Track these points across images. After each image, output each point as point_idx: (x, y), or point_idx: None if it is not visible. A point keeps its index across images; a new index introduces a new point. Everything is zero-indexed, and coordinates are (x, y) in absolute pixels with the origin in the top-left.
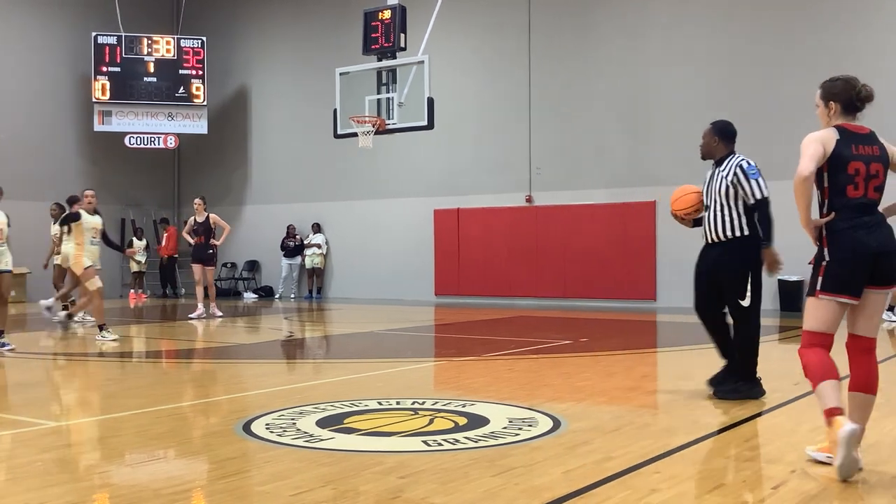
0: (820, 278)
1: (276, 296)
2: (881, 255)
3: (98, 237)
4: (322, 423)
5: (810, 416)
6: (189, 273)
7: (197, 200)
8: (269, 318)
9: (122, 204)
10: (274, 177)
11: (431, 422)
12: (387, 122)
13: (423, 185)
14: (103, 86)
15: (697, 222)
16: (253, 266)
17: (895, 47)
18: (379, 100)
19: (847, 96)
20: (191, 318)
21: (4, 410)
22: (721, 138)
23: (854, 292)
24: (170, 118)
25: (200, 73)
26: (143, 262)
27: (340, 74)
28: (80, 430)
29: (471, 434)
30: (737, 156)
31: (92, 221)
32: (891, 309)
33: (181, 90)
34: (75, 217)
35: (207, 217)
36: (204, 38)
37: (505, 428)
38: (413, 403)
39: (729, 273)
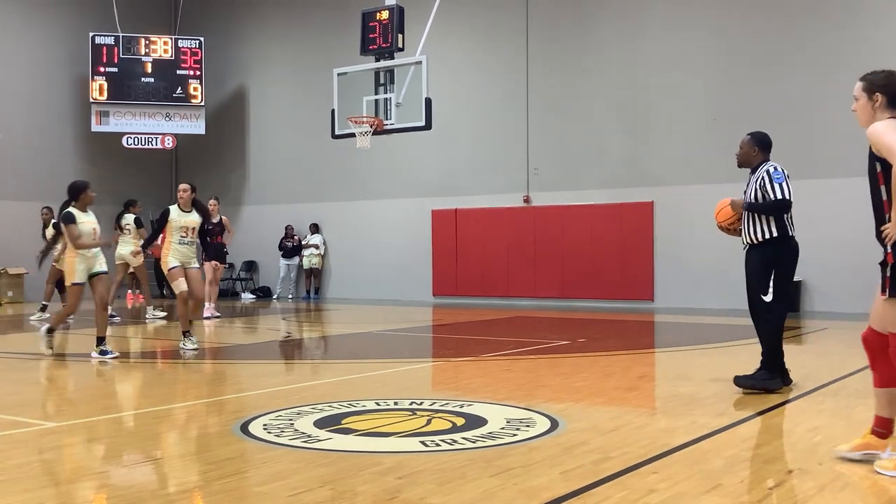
0: None
1: (274, 296)
2: None
3: (190, 235)
4: (320, 424)
5: (808, 417)
6: None
7: (212, 201)
8: (267, 318)
9: (119, 204)
10: (272, 177)
11: (429, 422)
12: (385, 122)
13: (421, 186)
14: (101, 86)
15: None
16: (251, 266)
17: (893, 49)
18: (377, 100)
19: (893, 88)
20: (206, 318)
21: (1, 411)
22: (760, 148)
23: None
24: (167, 119)
25: (198, 73)
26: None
27: (338, 75)
28: (78, 430)
29: (469, 434)
30: (769, 163)
31: (183, 219)
32: None
33: (179, 90)
34: (165, 214)
35: (221, 219)
36: (201, 39)
37: (503, 428)
38: (411, 404)
39: (752, 270)
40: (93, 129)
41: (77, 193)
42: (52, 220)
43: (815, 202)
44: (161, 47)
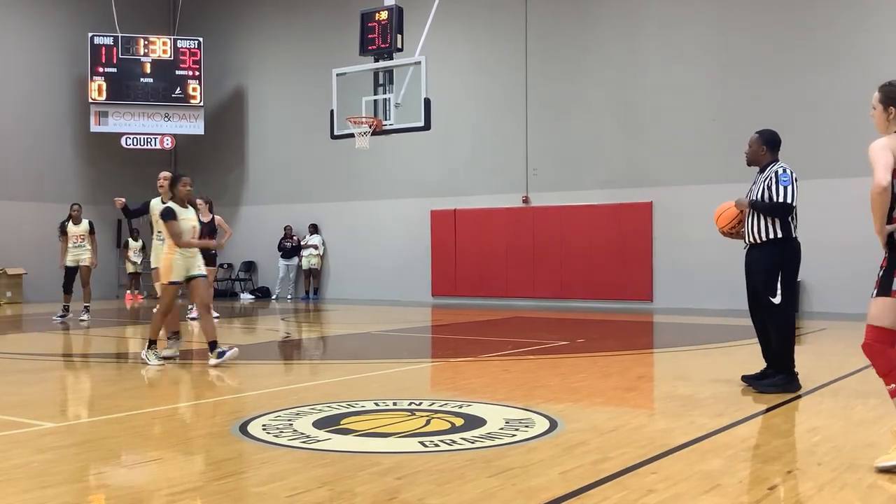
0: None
1: (273, 297)
2: None
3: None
4: (319, 424)
5: (807, 417)
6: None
7: (199, 201)
8: (266, 318)
9: None
10: (271, 178)
11: (428, 423)
12: (384, 122)
13: (420, 186)
14: (100, 86)
15: None
16: (250, 267)
17: (894, 48)
18: (376, 101)
19: None
20: (191, 319)
21: (1, 411)
22: (769, 147)
23: None
24: (166, 119)
25: (197, 73)
26: (139, 262)
27: (337, 75)
28: (77, 430)
29: (468, 435)
30: (779, 163)
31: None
32: None
33: (178, 91)
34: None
35: (213, 218)
36: (200, 39)
37: (502, 429)
38: (410, 404)
39: (760, 272)
40: (92, 130)
41: (174, 183)
42: (88, 220)
43: (814, 202)
44: (160, 48)
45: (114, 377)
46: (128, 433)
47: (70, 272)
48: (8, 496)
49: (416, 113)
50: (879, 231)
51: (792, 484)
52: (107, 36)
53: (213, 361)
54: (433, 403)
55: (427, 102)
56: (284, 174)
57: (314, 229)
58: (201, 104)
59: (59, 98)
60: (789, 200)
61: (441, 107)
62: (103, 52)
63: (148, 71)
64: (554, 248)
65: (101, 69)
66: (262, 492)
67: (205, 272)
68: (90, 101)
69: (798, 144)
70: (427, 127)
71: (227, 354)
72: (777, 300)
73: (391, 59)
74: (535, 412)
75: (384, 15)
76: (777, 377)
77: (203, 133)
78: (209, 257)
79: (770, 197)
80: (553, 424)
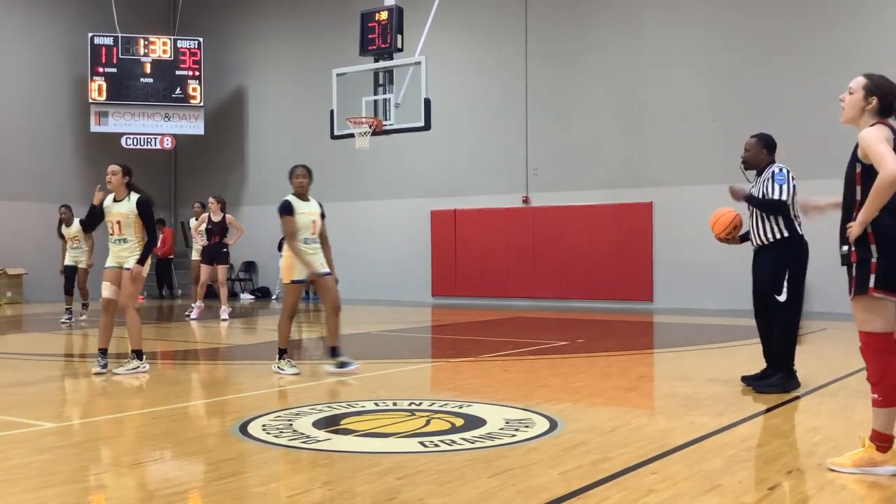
0: (872, 276)
1: (273, 297)
2: None
3: (116, 232)
4: (319, 425)
5: (807, 417)
6: (186, 274)
7: (211, 199)
8: (266, 319)
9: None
10: (271, 178)
11: (428, 423)
12: (384, 123)
13: (420, 187)
14: (100, 86)
15: (745, 237)
16: (250, 267)
17: (893, 48)
18: (376, 101)
19: (891, 99)
20: (191, 319)
21: (1, 411)
22: (768, 150)
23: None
24: (166, 119)
25: (197, 73)
26: None
27: (337, 75)
28: (77, 431)
29: (468, 435)
30: (776, 164)
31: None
32: None
33: (178, 91)
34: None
35: (224, 217)
36: (201, 39)
37: (502, 429)
38: (410, 404)
39: (766, 271)
40: (92, 130)
41: (291, 176)
42: (78, 219)
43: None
44: (160, 48)
45: (114, 377)
46: (128, 433)
47: (69, 273)
48: (8, 496)
49: (416, 113)
50: (867, 221)
51: (792, 484)
52: (107, 36)
53: (329, 368)
54: (433, 403)
55: (427, 103)
56: (284, 174)
57: None
58: (201, 104)
59: (59, 98)
60: (784, 197)
61: (441, 107)
62: (103, 52)
63: (148, 71)
64: (554, 249)
65: (101, 69)
66: (262, 492)
67: (328, 269)
68: (90, 101)
69: (798, 145)
70: (427, 127)
71: (349, 368)
72: (782, 298)
73: (391, 59)
74: (535, 412)
75: (384, 15)
76: (776, 377)
77: (203, 133)
78: (221, 256)
79: (764, 194)
80: (553, 424)
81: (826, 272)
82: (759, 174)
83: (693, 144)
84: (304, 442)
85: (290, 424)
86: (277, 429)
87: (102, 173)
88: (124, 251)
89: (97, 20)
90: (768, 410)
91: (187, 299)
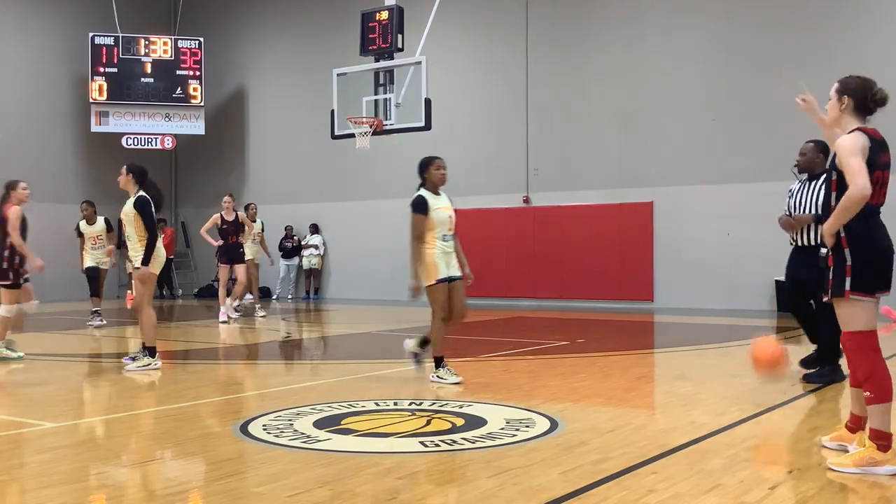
0: (848, 279)
1: (274, 297)
2: (892, 261)
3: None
4: (319, 424)
5: (807, 417)
6: (186, 274)
7: (226, 198)
8: (267, 318)
9: (118, 205)
10: (271, 178)
11: (429, 423)
12: (384, 122)
13: None
14: (100, 86)
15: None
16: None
17: (892, 49)
18: (376, 101)
19: (862, 95)
20: (220, 322)
21: (1, 411)
22: (825, 155)
23: (872, 291)
24: (167, 119)
25: (198, 73)
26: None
27: (338, 75)
28: (77, 431)
29: (468, 435)
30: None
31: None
32: None
33: (178, 91)
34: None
35: (237, 215)
36: (201, 39)
37: (502, 429)
38: (410, 404)
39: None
40: (92, 130)
41: (423, 169)
42: (103, 217)
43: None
44: (161, 48)
45: (114, 377)
46: (128, 433)
47: (93, 275)
48: (7, 496)
49: (416, 113)
50: (832, 231)
51: (792, 484)
52: (107, 36)
53: (434, 377)
54: (433, 403)
55: (427, 102)
56: (285, 174)
57: (315, 229)
58: (202, 104)
59: (60, 98)
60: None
61: (441, 107)
62: (104, 52)
63: (148, 71)
64: (554, 248)
65: (101, 69)
66: (262, 492)
67: (459, 273)
68: (91, 101)
69: (798, 145)
70: (428, 127)
71: (451, 380)
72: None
73: (392, 59)
74: (535, 412)
75: (385, 15)
76: (825, 368)
77: (204, 133)
78: (238, 255)
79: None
80: (553, 424)
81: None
82: (811, 179)
83: (693, 144)
84: (304, 442)
85: (291, 424)
86: (278, 429)
87: (103, 173)
88: (131, 250)
89: (98, 20)
90: (769, 410)
91: (189, 299)
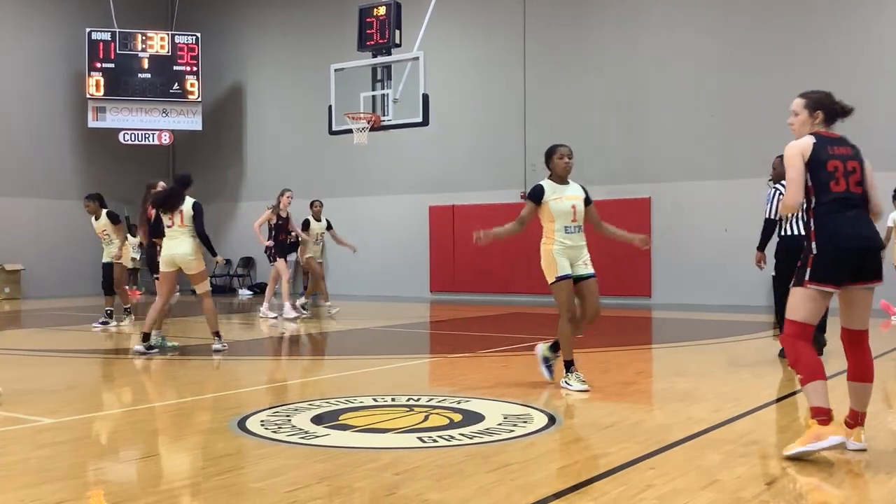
0: (808, 269)
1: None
2: (865, 251)
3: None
4: (317, 420)
5: (804, 413)
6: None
7: (289, 193)
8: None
9: (115, 201)
10: (269, 173)
11: (426, 418)
12: (382, 118)
13: (419, 182)
14: (97, 82)
15: None
16: (248, 263)
17: (891, 49)
18: (374, 96)
19: (832, 108)
20: (287, 318)
21: None
22: None
23: (836, 282)
24: (164, 114)
25: (195, 69)
26: (138, 258)
27: (335, 71)
28: (75, 426)
29: (466, 430)
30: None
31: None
32: None
33: (175, 86)
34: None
35: (289, 213)
36: (198, 35)
37: (500, 424)
38: (408, 400)
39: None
40: (89, 125)
41: (548, 159)
42: (106, 210)
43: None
44: (158, 43)
45: (112, 373)
46: (126, 429)
47: (105, 270)
48: (6, 492)
49: (414, 109)
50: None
51: (790, 479)
52: (104, 31)
53: (565, 383)
54: (431, 399)
55: (425, 98)
56: (282, 170)
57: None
58: (199, 100)
59: (57, 93)
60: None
61: (439, 103)
62: (101, 47)
63: (146, 66)
64: None
65: (98, 64)
66: (260, 487)
67: (592, 270)
68: (88, 96)
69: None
70: (425, 123)
71: (577, 387)
72: None
73: (389, 54)
74: (533, 408)
75: (382, 10)
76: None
77: (201, 129)
78: (292, 251)
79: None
80: (551, 420)
81: None
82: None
83: (692, 140)
84: (302, 437)
85: (289, 420)
86: (276, 424)
87: (100, 169)
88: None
89: (94, 15)
90: (766, 405)
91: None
